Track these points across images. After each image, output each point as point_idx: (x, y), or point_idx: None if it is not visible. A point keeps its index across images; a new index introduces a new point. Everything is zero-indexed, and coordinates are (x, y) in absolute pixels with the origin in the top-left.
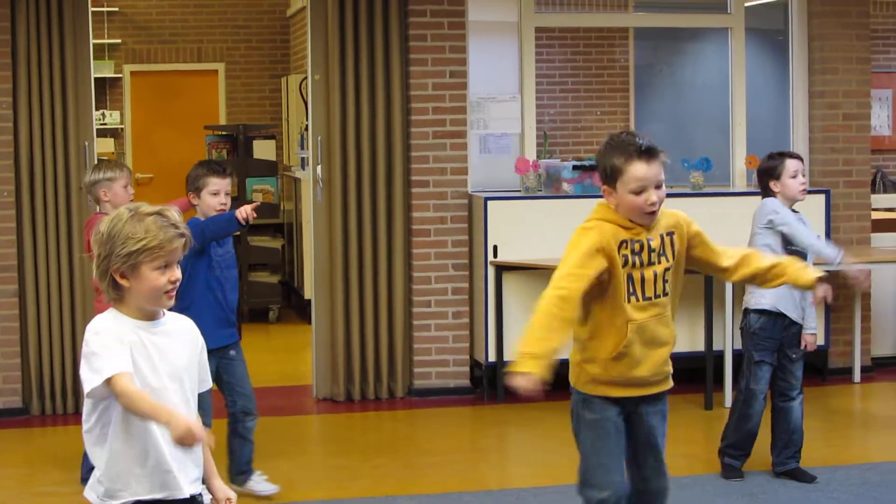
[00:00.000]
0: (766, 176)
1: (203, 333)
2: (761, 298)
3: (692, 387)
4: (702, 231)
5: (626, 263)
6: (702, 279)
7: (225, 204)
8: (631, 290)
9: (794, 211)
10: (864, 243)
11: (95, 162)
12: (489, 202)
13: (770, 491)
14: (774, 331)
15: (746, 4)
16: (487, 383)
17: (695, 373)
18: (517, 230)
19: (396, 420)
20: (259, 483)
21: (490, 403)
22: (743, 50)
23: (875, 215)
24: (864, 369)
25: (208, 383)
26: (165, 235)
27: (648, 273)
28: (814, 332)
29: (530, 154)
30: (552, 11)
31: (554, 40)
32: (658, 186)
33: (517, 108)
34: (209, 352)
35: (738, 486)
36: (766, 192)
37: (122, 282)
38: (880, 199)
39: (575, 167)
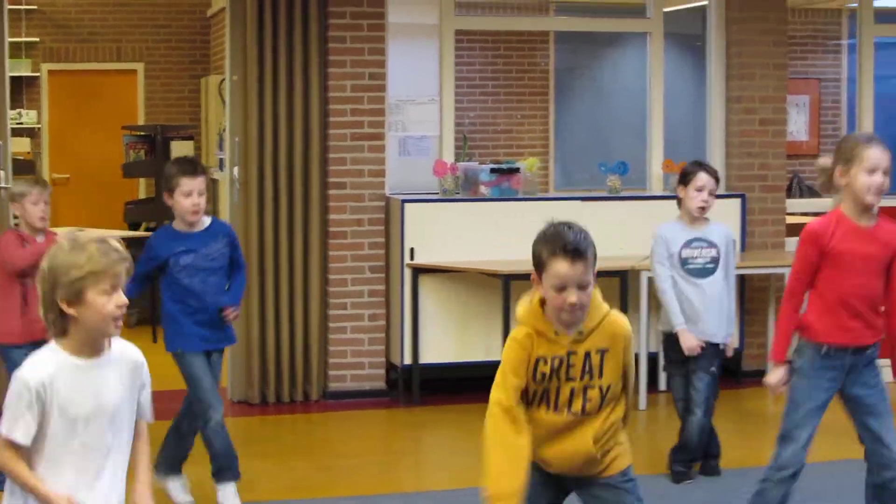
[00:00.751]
0: (678, 180)
1: (186, 340)
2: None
3: None
4: (630, 366)
5: (541, 380)
6: (617, 281)
7: (197, 204)
8: (544, 399)
9: (710, 218)
10: (778, 247)
11: (9, 161)
12: (406, 204)
13: (685, 490)
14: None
15: (665, 10)
16: (403, 386)
17: None
18: (434, 233)
19: (311, 423)
20: (178, 490)
21: (406, 406)
22: (661, 55)
23: (791, 220)
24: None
25: (147, 417)
26: (108, 260)
27: (565, 389)
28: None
29: (449, 157)
30: (472, 14)
31: (475, 43)
32: (582, 287)
33: (436, 110)
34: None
35: (651, 485)
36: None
37: (70, 310)
38: (796, 204)
39: (493, 170)
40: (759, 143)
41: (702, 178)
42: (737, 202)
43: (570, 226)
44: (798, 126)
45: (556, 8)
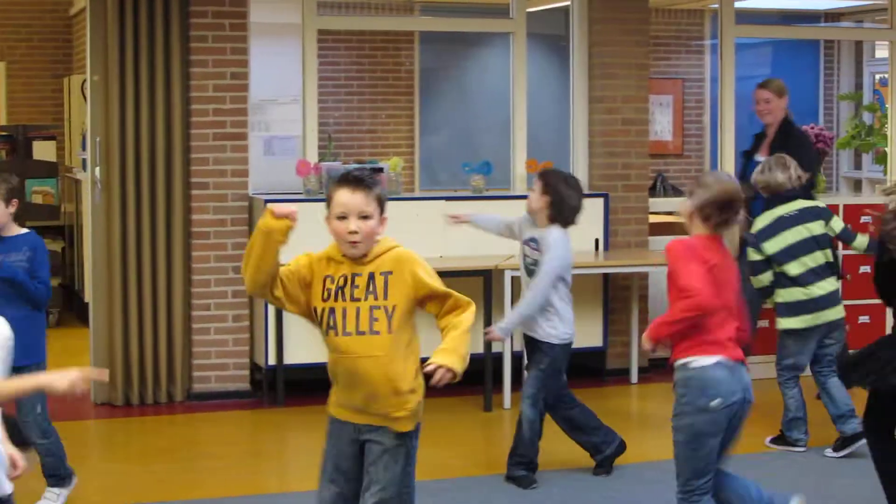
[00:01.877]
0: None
1: None
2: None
3: (472, 388)
4: (427, 281)
5: (326, 297)
6: (481, 280)
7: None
8: (331, 323)
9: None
10: (641, 246)
11: None
12: (269, 205)
13: (545, 488)
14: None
15: (529, 10)
16: (268, 387)
17: (474, 375)
18: (297, 233)
19: (175, 424)
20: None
21: (270, 407)
22: (524, 55)
23: (656, 219)
24: (641, 370)
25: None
26: None
27: (351, 308)
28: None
29: (312, 157)
30: (336, 14)
31: (339, 43)
32: (363, 217)
33: (299, 110)
34: None
35: (509, 485)
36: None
37: None
38: (660, 203)
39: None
40: (621, 143)
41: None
42: (600, 201)
43: (361, 168)
44: (662, 126)
45: (421, 8)
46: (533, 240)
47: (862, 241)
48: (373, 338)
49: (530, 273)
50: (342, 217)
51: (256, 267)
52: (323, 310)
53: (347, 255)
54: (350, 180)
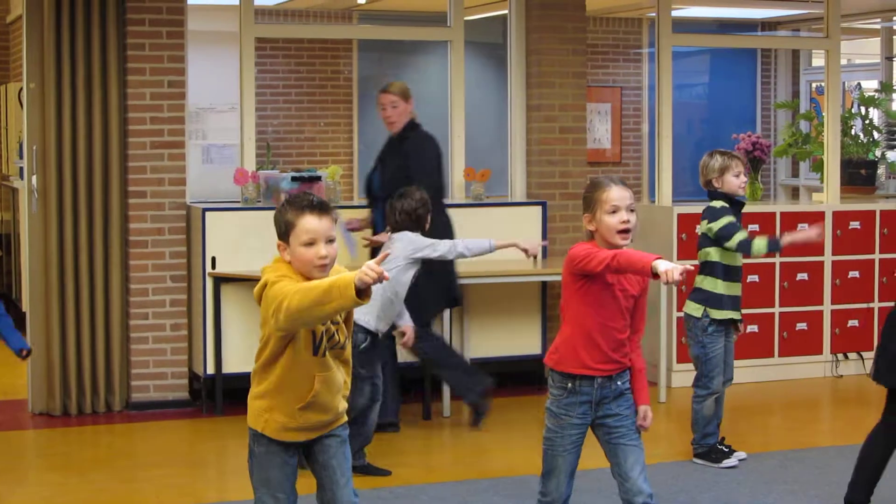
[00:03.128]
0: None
1: None
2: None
3: (412, 397)
4: None
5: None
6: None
7: None
8: (318, 342)
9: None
10: None
11: None
12: (207, 213)
13: (487, 496)
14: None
15: (467, 18)
16: (206, 396)
17: (414, 383)
18: (236, 242)
19: (114, 434)
20: None
21: (209, 416)
22: (462, 63)
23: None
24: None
25: None
26: None
27: (329, 332)
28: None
29: (250, 165)
30: (274, 22)
31: (277, 51)
32: (330, 241)
33: (237, 118)
34: None
35: (449, 493)
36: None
37: None
38: None
39: (294, 178)
40: (559, 151)
41: None
42: (537, 210)
43: (308, 193)
44: (600, 134)
45: (360, 16)
46: None
47: None
48: (340, 351)
49: None
50: (310, 244)
51: (311, 319)
52: (322, 332)
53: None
54: (315, 206)
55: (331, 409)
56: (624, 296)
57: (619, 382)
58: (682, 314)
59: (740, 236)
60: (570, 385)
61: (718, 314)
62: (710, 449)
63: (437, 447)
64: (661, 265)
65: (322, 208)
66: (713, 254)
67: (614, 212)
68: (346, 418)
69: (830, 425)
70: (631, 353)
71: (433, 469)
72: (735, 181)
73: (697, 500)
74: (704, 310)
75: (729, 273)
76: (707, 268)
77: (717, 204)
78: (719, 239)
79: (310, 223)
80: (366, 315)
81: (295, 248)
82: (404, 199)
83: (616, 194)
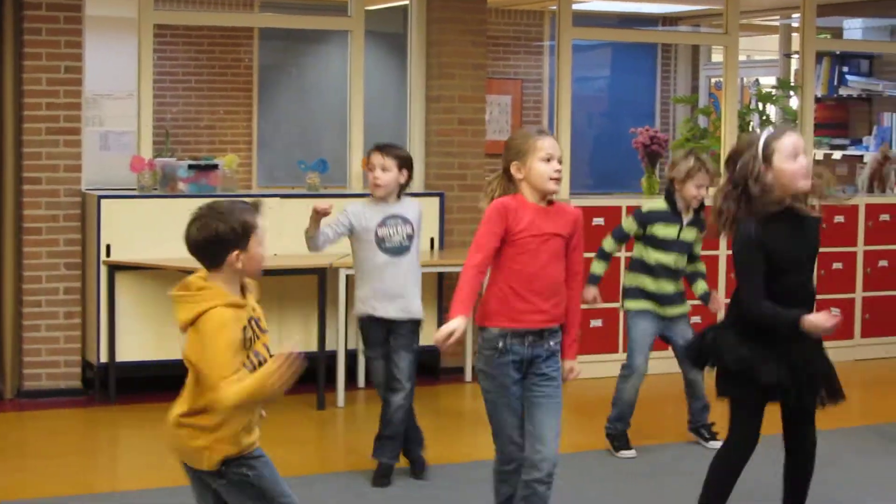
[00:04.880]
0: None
1: None
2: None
3: (305, 387)
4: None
5: (249, 345)
6: (315, 279)
7: None
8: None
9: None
10: None
11: None
12: (102, 200)
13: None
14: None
15: (367, 8)
16: (99, 384)
17: (307, 373)
18: (131, 229)
19: (5, 423)
20: None
21: (102, 405)
22: (361, 53)
23: None
24: (475, 368)
25: None
26: None
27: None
28: None
29: (147, 152)
30: (174, 9)
31: (177, 38)
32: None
33: (134, 105)
34: None
35: (343, 484)
36: None
37: None
38: None
39: (191, 166)
40: (457, 143)
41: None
42: (435, 201)
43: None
44: (500, 125)
45: (261, 4)
46: (398, 217)
47: None
48: None
49: (400, 251)
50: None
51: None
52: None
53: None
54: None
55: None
56: (542, 241)
57: (551, 342)
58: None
59: (608, 246)
60: (500, 345)
61: (632, 304)
62: (617, 434)
63: (332, 437)
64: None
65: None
66: (636, 250)
67: (548, 160)
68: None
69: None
70: (568, 302)
71: (327, 460)
72: (694, 192)
73: (584, 491)
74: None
75: (635, 266)
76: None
77: (661, 206)
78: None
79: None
80: None
81: (254, 250)
82: None
83: (550, 143)
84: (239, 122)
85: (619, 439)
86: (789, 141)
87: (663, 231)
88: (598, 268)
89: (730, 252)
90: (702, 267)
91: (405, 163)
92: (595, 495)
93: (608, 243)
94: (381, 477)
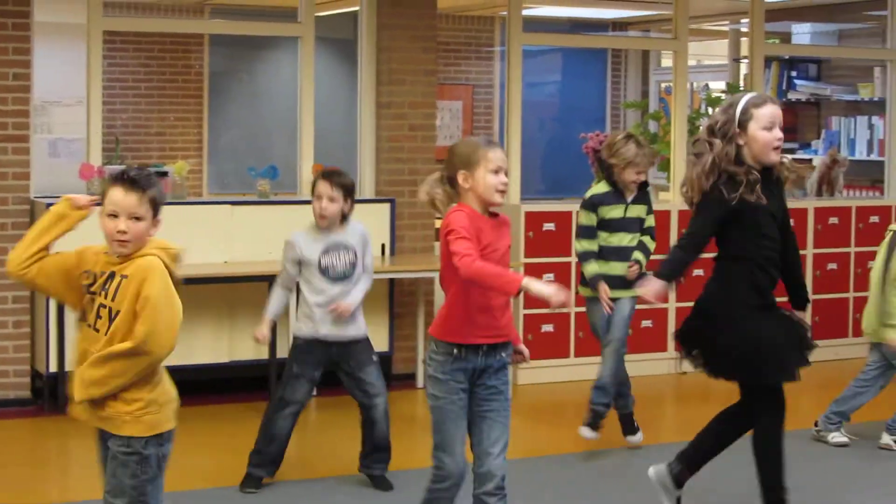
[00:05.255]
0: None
1: None
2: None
3: (256, 395)
4: (145, 294)
5: (84, 290)
6: (265, 285)
7: None
8: (83, 315)
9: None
10: (427, 252)
11: None
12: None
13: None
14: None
15: (318, 14)
16: (49, 394)
17: (260, 381)
18: (80, 237)
19: None
20: None
21: (51, 415)
22: (312, 59)
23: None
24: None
25: None
26: None
27: (94, 302)
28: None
29: (97, 159)
30: (124, 15)
31: (128, 44)
32: (136, 219)
33: (84, 112)
34: None
35: (295, 492)
36: None
37: None
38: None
39: None
40: (408, 149)
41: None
42: (386, 207)
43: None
44: (452, 131)
45: (211, 10)
46: (340, 245)
47: None
48: (95, 334)
49: (344, 278)
50: (113, 215)
51: (29, 244)
52: (83, 300)
53: (111, 254)
54: (124, 180)
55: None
56: (499, 256)
57: (503, 354)
58: (534, 311)
59: (581, 246)
60: (455, 351)
61: (586, 292)
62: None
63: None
64: (536, 287)
65: (131, 183)
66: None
67: (497, 171)
68: (125, 427)
69: (674, 421)
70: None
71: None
72: (633, 178)
73: (538, 496)
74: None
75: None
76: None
77: (603, 188)
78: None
79: (115, 195)
80: None
81: (102, 218)
82: None
83: (500, 155)
84: (189, 128)
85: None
86: (768, 110)
87: (609, 213)
88: (592, 267)
89: None
90: (648, 241)
91: (350, 191)
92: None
93: (580, 244)
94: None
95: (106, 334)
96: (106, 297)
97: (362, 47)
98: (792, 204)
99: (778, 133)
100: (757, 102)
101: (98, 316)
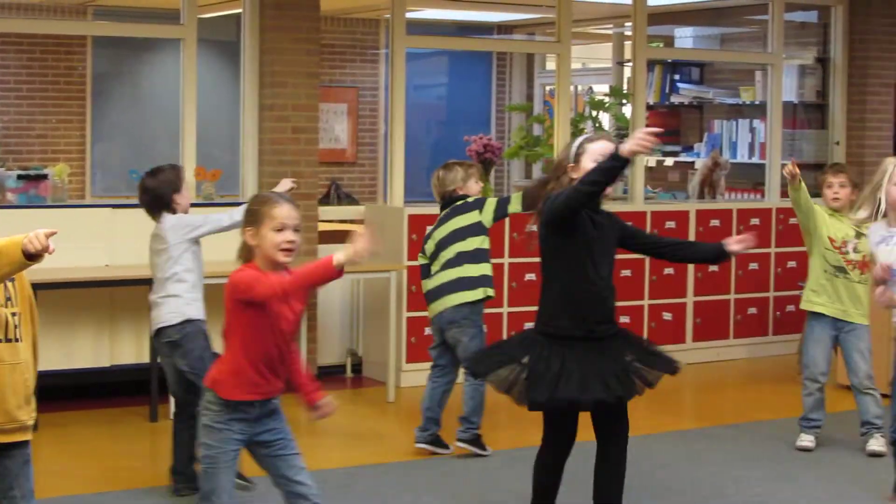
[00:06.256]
0: (169, 190)
1: None
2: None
3: (138, 399)
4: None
5: None
6: (147, 289)
7: None
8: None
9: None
10: (311, 255)
11: None
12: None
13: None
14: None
15: (201, 16)
16: None
17: (140, 385)
18: None
19: None
20: None
21: None
22: (194, 61)
23: (328, 227)
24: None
25: None
26: None
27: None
28: None
29: None
30: (5, 16)
31: (9, 46)
32: None
33: None
34: None
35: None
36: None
37: None
38: (333, 212)
39: (20, 177)
40: (291, 151)
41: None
42: None
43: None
44: (337, 134)
45: (95, 12)
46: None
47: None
48: (16, 345)
49: None
50: None
51: None
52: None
53: None
54: None
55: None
56: (292, 317)
57: (275, 401)
58: (417, 313)
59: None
60: (231, 404)
61: (492, 291)
62: (477, 437)
63: (165, 450)
64: (343, 256)
65: None
66: (486, 241)
67: (281, 229)
68: (30, 431)
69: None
70: (293, 367)
71: (160, 474)
72: (475, 187)
73: (421, 499)
74: (484, 290)
75: (489, 257)
76: (481, 255)
77: (472, 198)
78: (495, 216)
79: None
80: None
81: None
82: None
83: (284, 212)
84: (72, 130)
85: (478, 441)
86: (600, 145)
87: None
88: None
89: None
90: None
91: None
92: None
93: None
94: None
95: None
96: (12, 305)
97: (245, 49)
98: (674, 206)
99: None
100: (591, 139)
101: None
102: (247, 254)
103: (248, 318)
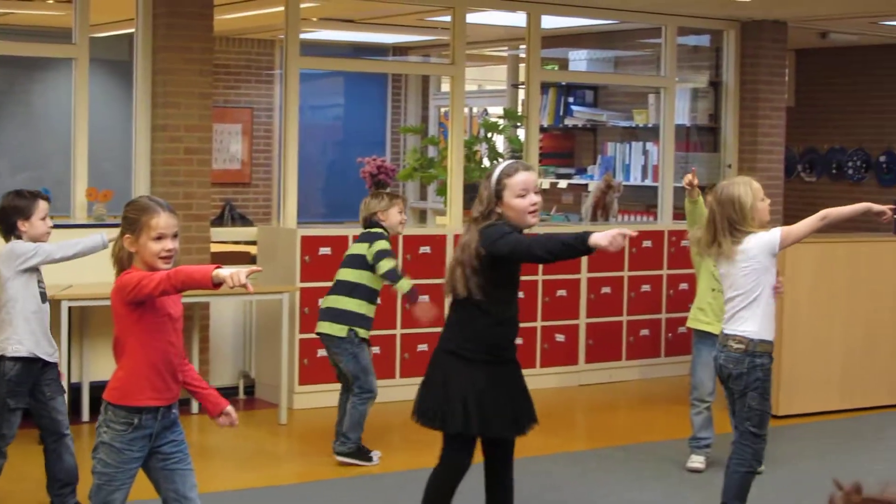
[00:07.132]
0: (14, 215)
1: None
2: (18, 345)
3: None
4: None
5: None
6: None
7: None
8: None
9: None
10: None
11: None
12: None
13: None
14: (29, 375)
15: (93, 35)
16: None
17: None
18: None
19: None
20: None
21: None
22: (86, 81)
23: (221, 248)
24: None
25: None
26: None
27: None
28: None
29: None
30: None
31: None
32: None
33: None
34: None
35: None
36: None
37: None
38: (226, 233)
39: None
40: (183, 172)
41: (42, 205)
42: None
43: None
44: (232, 154)
45: None
46: None
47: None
48: None
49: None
50: None
51: None
52: None
53: None
54: None
55: None
56: (173, 318)
57: (174, 411)
58: (311, 335)
59: (391, 264)
60: (135, 421)
61: (365, 333)
62: (359, 448)
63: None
64: (224, 272)
65: None
66: (364, 277)
67: (160, 238)
68: None
69: None
70: (187, 375)
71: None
72: (396, 217)
73: None
74: (350, 329)
75: (372, 296)
76: (357, 290)
77: (376, 230)
78: (375, 260)
79: None
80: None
81: None
82: None
83: (163, 222)
84: None
85: (362, 451)
86: (520, 178)
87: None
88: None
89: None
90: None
91: None
92: None
93: (393, 262)
94: None
95: None
96: None
97: (137, 69)
98: (567, 228)
99: (533, 198)
100: (509, 172)
101: None
102: (126, 258)
103: (142, 319)
